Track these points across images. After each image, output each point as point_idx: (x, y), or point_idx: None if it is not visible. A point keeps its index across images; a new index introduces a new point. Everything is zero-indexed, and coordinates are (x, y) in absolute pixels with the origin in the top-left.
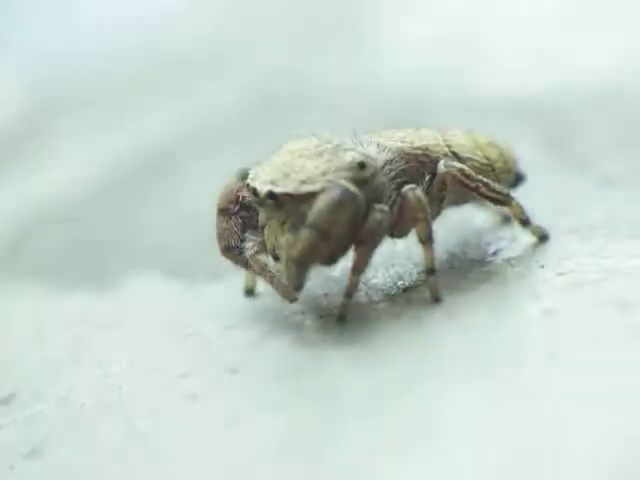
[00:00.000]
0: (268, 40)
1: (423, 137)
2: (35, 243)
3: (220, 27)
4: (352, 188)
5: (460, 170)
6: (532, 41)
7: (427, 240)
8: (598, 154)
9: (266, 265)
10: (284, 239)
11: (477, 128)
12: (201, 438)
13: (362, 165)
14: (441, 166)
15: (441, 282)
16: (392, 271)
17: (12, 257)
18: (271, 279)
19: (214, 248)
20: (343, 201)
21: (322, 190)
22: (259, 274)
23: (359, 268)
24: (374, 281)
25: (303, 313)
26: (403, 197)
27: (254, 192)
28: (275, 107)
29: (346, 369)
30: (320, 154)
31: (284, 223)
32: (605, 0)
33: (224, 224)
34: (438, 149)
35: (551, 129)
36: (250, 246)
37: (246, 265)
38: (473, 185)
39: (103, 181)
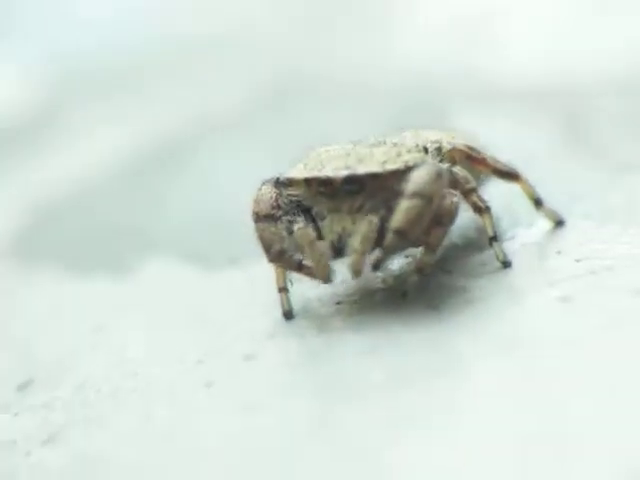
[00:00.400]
0: (280, 30)
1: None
2: (52, 229)
3: (230, 20)
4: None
5: (466, 145)
6: (548, 25)
7: (485, 209)
8: (615, 140)
9: (315, 239)
10: (363, 223)
11: (493, 113)
12: (217, 424)
13: (425, 149)
14: (446, 144)
15: (457, 268)
16: (409, 257)
17: (30, 243)
18: (320, 255)
19: (232, 234)
20: (440, 172)
21: (413, 166)
22: (307, 246)
23: (434, 247)
24: (390, 267)
25: (320, 299)
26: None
27: (321, 182)
28: (288, 95)
29: (363, 355)
30: (378, 144)
31: (359, 209)
32: None
33: (272, 229)
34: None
35: (568, 114)
36: (300, 224)
37: (299, 266)
38: (480, 157)
39: (121, 167)
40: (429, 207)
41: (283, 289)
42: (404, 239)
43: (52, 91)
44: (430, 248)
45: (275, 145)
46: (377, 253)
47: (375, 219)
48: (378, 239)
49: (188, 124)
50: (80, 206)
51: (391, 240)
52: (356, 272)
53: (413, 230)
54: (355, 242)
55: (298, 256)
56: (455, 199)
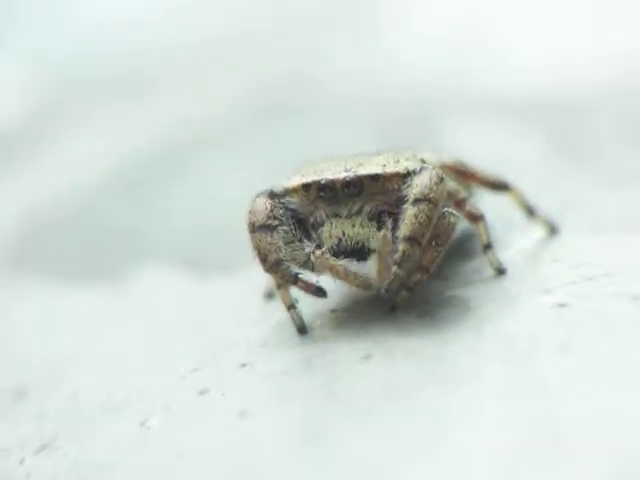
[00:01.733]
0: (275, 39)
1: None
2: (46, 237)
3: (227, 26)
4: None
5: (455, 160)
6: (540, 38)
7: (479, 217)
8: (608, 149)
9: (334, 261)
10: (377, 240)
11: (486, 124)
12: (212, 432)
13: (423, 160)
14: (435, 161)
15: (452, 276)
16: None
17: (24, 251)
18: (345, 272)
19: (226, 243)
20: (442, 176)
21: (413, 171)
22: (330, 271)
23: (429, 268)
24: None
25: (314, 308)
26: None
27: (321, 186)
28: (283, 106)
29: (357, 364)
30: (377, 153)
31: (358, 213)
32: None
33: (268, 239)
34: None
35: (561, 124)
36: (311, 249)
37: (295, 279)
38: (470, 171)
39: (115, 175)
40: (435, 211)
41: (291, 307)
42: (417, 245)
43: (47, 99)
44: (423, 268)
45: (269, 156)
46: (391, 273)
47: (389, 233)
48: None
49: (183, 133)
50: (74, 214)
51: (404, 249)
52: (364, 285)
53: (424, 235)
54: (376, 261)
55: (294, 269)
56: (453, 219)
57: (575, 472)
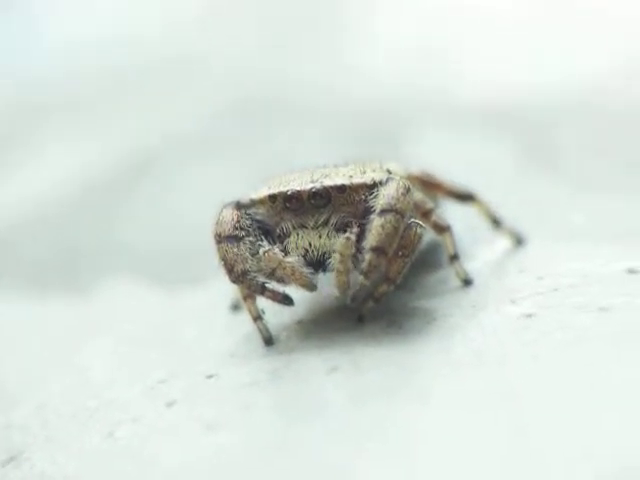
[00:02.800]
0: (243, 56)
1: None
2: (14, 249)
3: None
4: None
5: (421, 171)
6: (510, 48)
7: (446, 228)
8: (577, 159)
9: (284, 256)
10: (340, 241)
11: (456, 135)
12: (181, 443)
13: (389, 170)
14: (402, 172)
15: (418, 287)
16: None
17: None
18: (292, 269)
19: (193, 255)
20: (408, 187)
21: (380, 182)
22: (277, 265)
23: (395, 279)
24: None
25: (280, 319)
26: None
27: (287, 197)
28: (256, 114)
29: (324, 375)
30: (344, 165)
31: (325, 224)
32: (583, 9)
33: (235, 250)
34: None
35: (530, 135)
36: (265, 247)
37: (262, 289)
38: (436, 182)
39: (82, 188)
40: (402, 222)
41: (258, 318)
42: (383, 256)
43: (12, 110)
44: (390, 279)
45: (236, 168)
46: (357, 283)
47: (352, 236)
48: (355, 261)
49: (152, 147)
50: (41, 227)
51: (370, 259)
52: (343, 291)
53: (391, 246)
54: (335, 262)
55: (261, 278)
56: (419, 230)
57: (543, 478)
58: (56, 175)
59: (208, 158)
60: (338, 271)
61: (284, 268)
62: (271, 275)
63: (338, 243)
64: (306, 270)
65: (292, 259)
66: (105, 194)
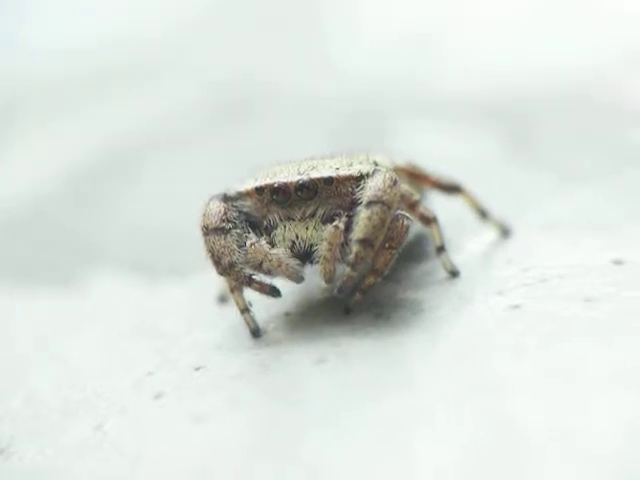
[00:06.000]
0: (228, 45)
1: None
2: None
3: (179, 31)
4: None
5: (408, 162)
6: (495, 40)
7: (432, 219)
8: (561, 151)
9: (270, 249)
10: (328, 230)
11: (438, 127)
12: (168, 436)
13: (376, 162)
14: (389, 164)
15: (405, 278)
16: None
17: None
18: (278, 261)
19: (179, 247)
20: (395, 179)
21: (367, 174)
22: (264, 257)
23: (382, 270)
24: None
25: (268, 311)
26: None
27: (274, 190)
28: (235, 110)
29: (311, 367)
30: (331, 157)
31: (312, 216)
32: (566, 3)
33: (221, 242)
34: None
35: (514, 127)
36: (252, 239)
37: (249, 281)
38: (422, 173)
39: (67, 180)
40: (389, 213)
41: (245, 310)
42: (370, 248)
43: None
44: (377, 271)
45: (222, 160)
46: (344, 274)
47: (341, 225)
48: (342, 253)
49: (135, 137)
50: (27, 220)
51: (357, 251)
52: (328, 280)
53: (378, 238)
54: (322, 249)
55: (248, 270)
56: (406, 222)
57: (530, 471)
58: (38, 167)
59: (193, 148)
60: (324, 258)
61: (270, 260)
62: (258, 267)
63: (327, 231)
64: (293, 262)
65: (278, 251)
66: (89, 188)
